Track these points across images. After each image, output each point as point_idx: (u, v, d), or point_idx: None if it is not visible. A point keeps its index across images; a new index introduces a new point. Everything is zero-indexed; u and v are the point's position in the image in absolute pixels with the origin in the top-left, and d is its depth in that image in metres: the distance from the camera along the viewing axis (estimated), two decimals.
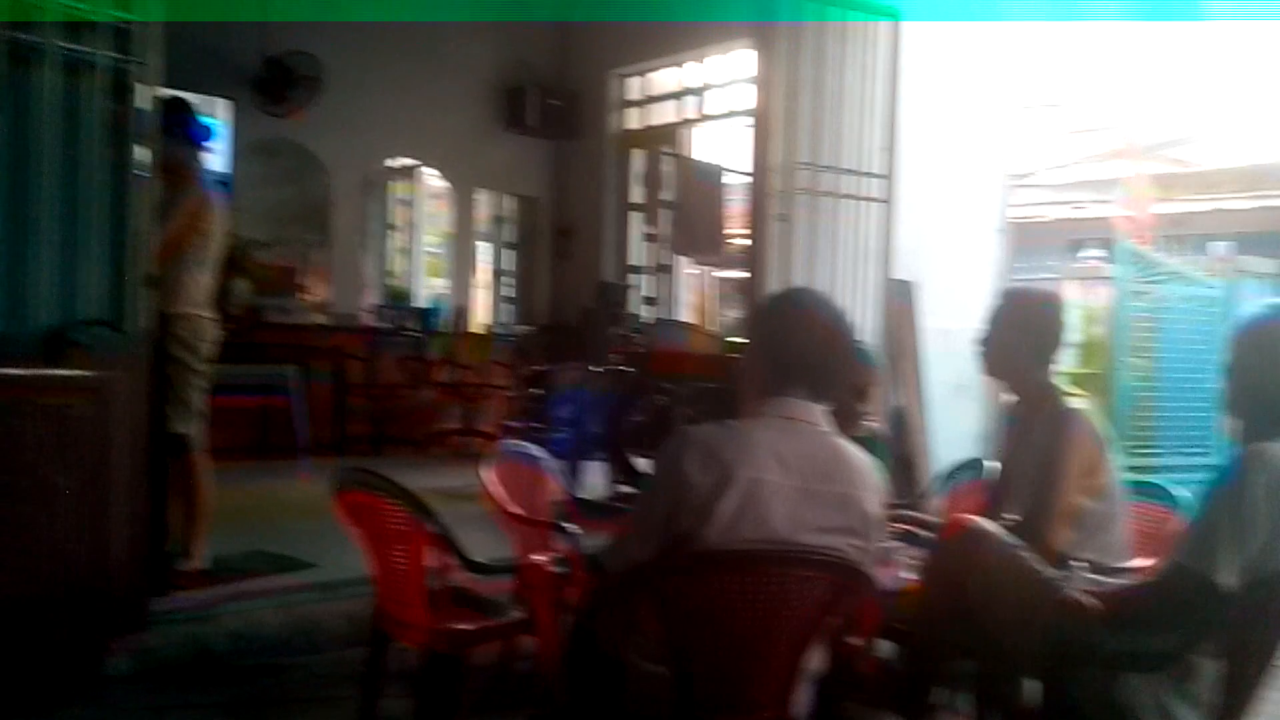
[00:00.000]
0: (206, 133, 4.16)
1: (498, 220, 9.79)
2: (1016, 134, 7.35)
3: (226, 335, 4.22)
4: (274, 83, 7.65)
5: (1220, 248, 8.50)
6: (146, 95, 3.23)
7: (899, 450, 6.09)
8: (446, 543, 2.60)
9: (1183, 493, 3.08)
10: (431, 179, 9.94)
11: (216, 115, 6.96)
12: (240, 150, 7.52)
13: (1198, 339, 6.74)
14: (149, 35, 3.16)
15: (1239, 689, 2.10)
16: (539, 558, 3.19)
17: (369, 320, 8.40)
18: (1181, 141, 12.01)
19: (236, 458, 6.31)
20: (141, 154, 3.27)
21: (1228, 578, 1.98)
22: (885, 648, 3.10)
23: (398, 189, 10.39)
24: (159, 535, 3.47)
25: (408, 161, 9.63)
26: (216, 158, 6.80)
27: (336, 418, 7.32)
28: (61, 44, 2.99)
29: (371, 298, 9.05)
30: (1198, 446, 6.67)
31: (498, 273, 9.86)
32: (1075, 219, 11.03)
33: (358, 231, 8.77)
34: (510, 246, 9.73)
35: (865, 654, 2.71)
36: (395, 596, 2.71)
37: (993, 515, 2.92)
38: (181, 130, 3.87)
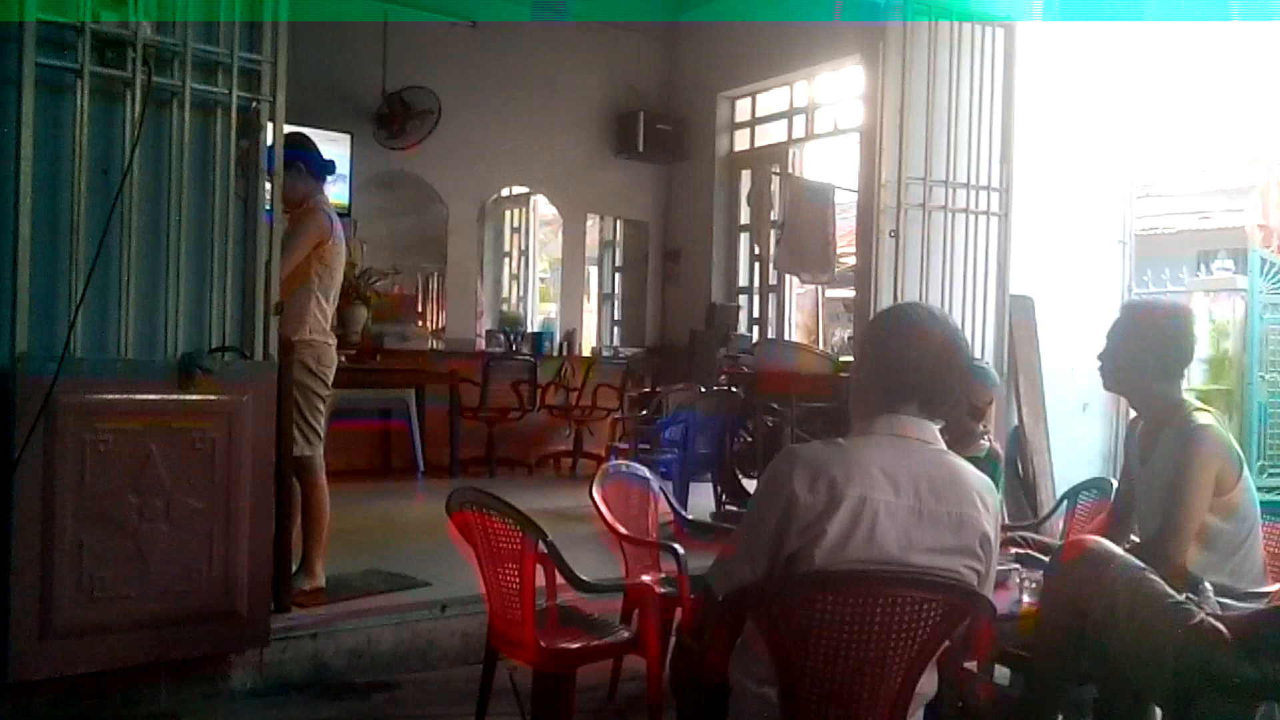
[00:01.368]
0: (329, 166, 4.31)
1: (607, 244, 9.90)
2: (1139, 141, 7.10)
3: (347, 361, 4.35)
4: (392, 117, 7.93)
5: None
6: (273, 132, 3.38)
7: (1019, 470, 5.92)
8: (555, 562, 2.62)
9: None
10: (543, 206, 10.13)
11: (339, 149, 7.23)
12: (360, 183, 7.80)
13: None
14: (276, 75, 3.31)
15: None
16: (646, 578, 3.21)
17: (482, 345, 8.58)
18: None
19: (356, 479, 6.52)
20: (268, 188, 3.41)
21: None
22: (1002, 673, 3.02)
23: (511, 216, 10.62)
24: (282, 555, 3.58)
25: (520, 189, 9.84)
26: (338, 190, 7.06)
27: (451, 440, 7.49)
28: (196, 85, 3.16)
29: (485, 323, 9.25)
30: None
31: (607, 296, 9.97)
32: (1203, 229, 10.56)
33: (472, 259, 8.99)
34: (619, 270, 9.83)
35: (980, 679, 2.64)
36: (506, 615, 2.75)
37: (1117, 536, 2.81)
38: (305, 164, 4.03)
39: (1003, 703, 2.78)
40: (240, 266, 3.30)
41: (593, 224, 9.72)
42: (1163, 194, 11.51)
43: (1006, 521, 4.81)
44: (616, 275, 9.89)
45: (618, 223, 9.75)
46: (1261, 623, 2.11)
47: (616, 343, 9.63)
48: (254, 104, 3.30)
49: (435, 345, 8.36)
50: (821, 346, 9.27)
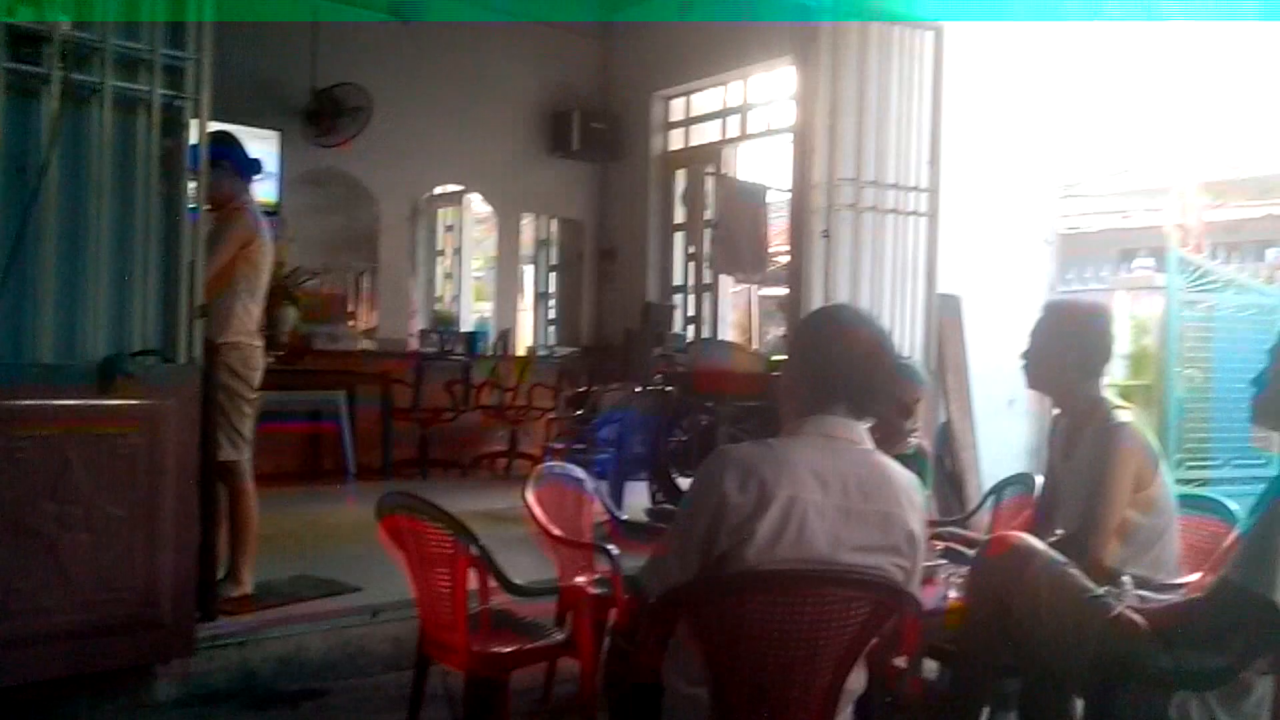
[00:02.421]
0: (256, 165, 4.23)
1: (542, 243, 9.87)
2: (1064, 143, 7.27)
3: (276, 362, 4.28)
4: (322, 114, 7.81)
5: (1277, 254, 8.32)
6: (197, 130, 3.31)
7: (947, 466, 6.03)
8: (487, 565, 2.61)
9: (1237, 506, 3.00)
10: (478, 204, 10.06)
11: (267, 147, 7.10)
12: (289, 181, 7.67)
13: (1253, 348, 6.58)
14: (200, 72, 3.24)
15: None
16: (580, 579, 3.21)
17: (415, 345, 8.50)
18: (1235, 147, 11.81)
19: (285, 483, 6.41)
20: (192, 187, 3.34)
21: None
22: (930, 667, 3.07)
23: (444, 215, 10.53)
24: (207, 561, 3.51)
25: (454, 188, 9.76)
26: (265, 188, 6.94)
27: (383, 442, 7.40)
28: (117, 82, 3.08)
29: (418, 323, 9.16)
30: (1253, 459, 6.52)
31: (542, 295, 9.94)
32: (1125, 228, 10.86)
33: (405, 258, 8.90)
34: (554, 269, 9.81)
35: (909, 674, 2.68)
36: (438, 620, 2.72)
37: (1041, 531, 2.88)
38: (231, 163, 3.96)
39: (931, 697, 2.84)
40: (163, 268, 3.23)
41: (527, 223, 9.69)
42: (1086, 194, 11.81)
43: (935, 517, 4.89)
44: (552, 274, 9.86)
45: (553, 221, 9.72)
46: (1176, 614, 2.17)
47: (552, 342, 9.61)
48: (177, 101, 3.23)
49: (367, 345, 8.26)
50: (756, 345, 9.35)
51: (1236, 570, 2.01)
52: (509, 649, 2.73)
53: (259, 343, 4.05)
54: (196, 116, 3.28)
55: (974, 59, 5.97)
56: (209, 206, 3.64)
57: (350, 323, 8.51)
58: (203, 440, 3.34)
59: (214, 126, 3.45)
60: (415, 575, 2.73)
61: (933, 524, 3.50)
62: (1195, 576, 2.59)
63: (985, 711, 2.92)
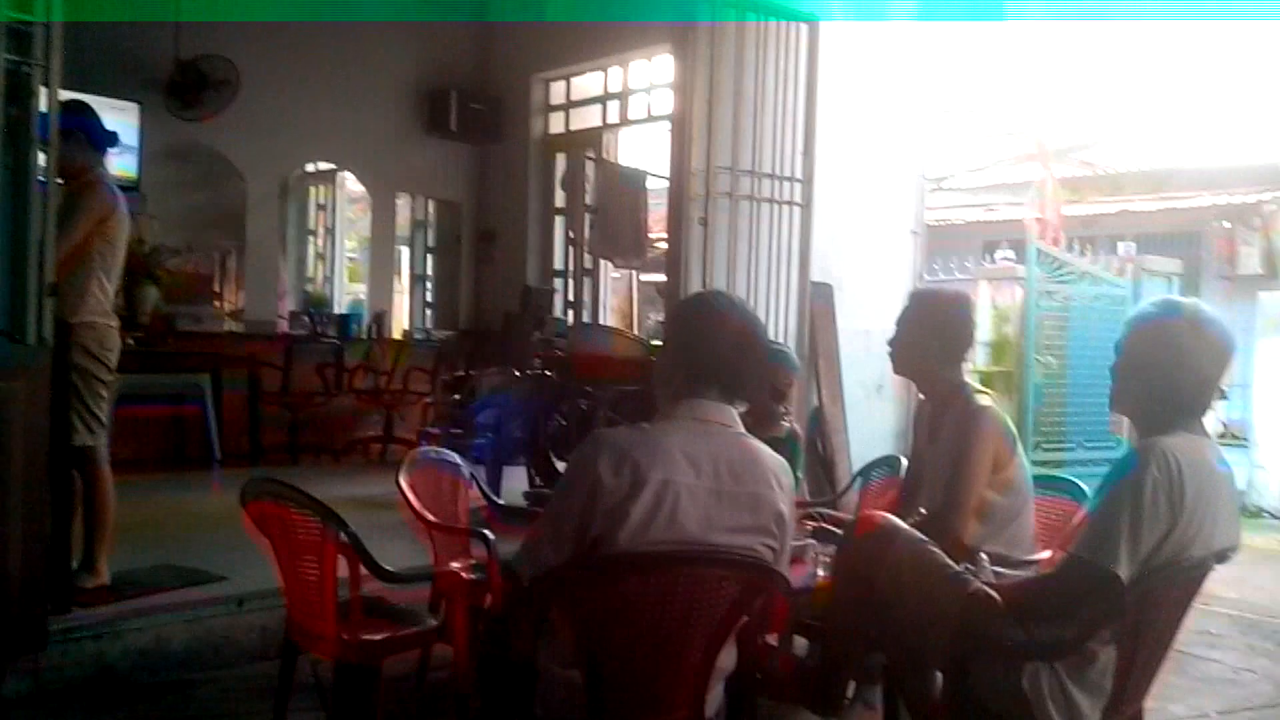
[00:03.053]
0: (112, 137, 4.03)
1: (419, 225, 9.70)
2: (932, 138, 7.51)
3: (135, 344, 4.10)
4: (186, 86, 7.48)
5: (1126, 248, 8.79)
6: (47, 98, 3.13)
7: (818, 449, 6.17)
8: (357, 552, 2.56)
9: (1087, 487, 3.16)
10: (351, 183, 9.81)
11: (126, 119, 6.76)
12: (150, 155, 7.32)
13: (1105, 337, 6.93)
14: (50, 37, 3.06)
15: (1133, 674, 2.17)
16: (456, 565, 3.18)
17: (285, 327, 8.25)
18: (1090, 145, 12.41)
19: (146, 469, 6.16)
20: (42, 159, 3.17)
21: (1124, 568, 2.04)
22: (800, 644, 3.15)
23: (316, 193, 10.23)
24: (60, 551, 3.35)
25: (326, 166, 9.50)
26: (124, 162, 6.62)
27: (251, 427, 7.17)
28: None
29: (288, 304, 8.89)
30: (1105, 441, 6.88)
31: (418, 277, 9.77)
32: (988, 221, 11.29)
33: (273, 237, 8.61)
34: (431, 251, 9.65)
35: (779, 651, 2.75)
36: (306, 608, 2.66)
37: (905, 511, 2.98)
38: (85, 134, 3.76)
39: (800, 673, 2.91)
40: (9, 244, 3.05)
41: (403, 203, 9.49)
42: (953, 188, 12.23)
43: (806, 498, 5.02)
44: (429, 256, 9.69)
45: (430, 202, 9.55)
46: (1029, 589, 2.28)
47: (429, 325, 9.45)
48: (24, 68, 3.04)
49: (233, 327, 7.96)
50: (636, 330, 9.39)
51: (1083, 546, 2.12)
52: (380, 636, 2.69)
53: (115, 323, 3.87)
54: (46, 84, 3.10)
55: (848, 54, 6.11)
56: (60, 179, 3.45)
57: (216, 303, 8.19)
58: (55, 424, 3.18)
59: (66, 95, 3.27)
60: (282, 563, 2.66)
61: (804, 505, 3.60)
62: (1048, 554, 2.72)
63: (851, 686, 3.02)
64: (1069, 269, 7.30)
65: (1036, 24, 6.20)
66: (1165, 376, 2.20)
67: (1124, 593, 2.05)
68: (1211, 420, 9.43)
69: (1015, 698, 2.16)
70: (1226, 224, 10.19)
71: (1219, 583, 5.54)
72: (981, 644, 2.21)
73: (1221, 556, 2.18)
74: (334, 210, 10.12)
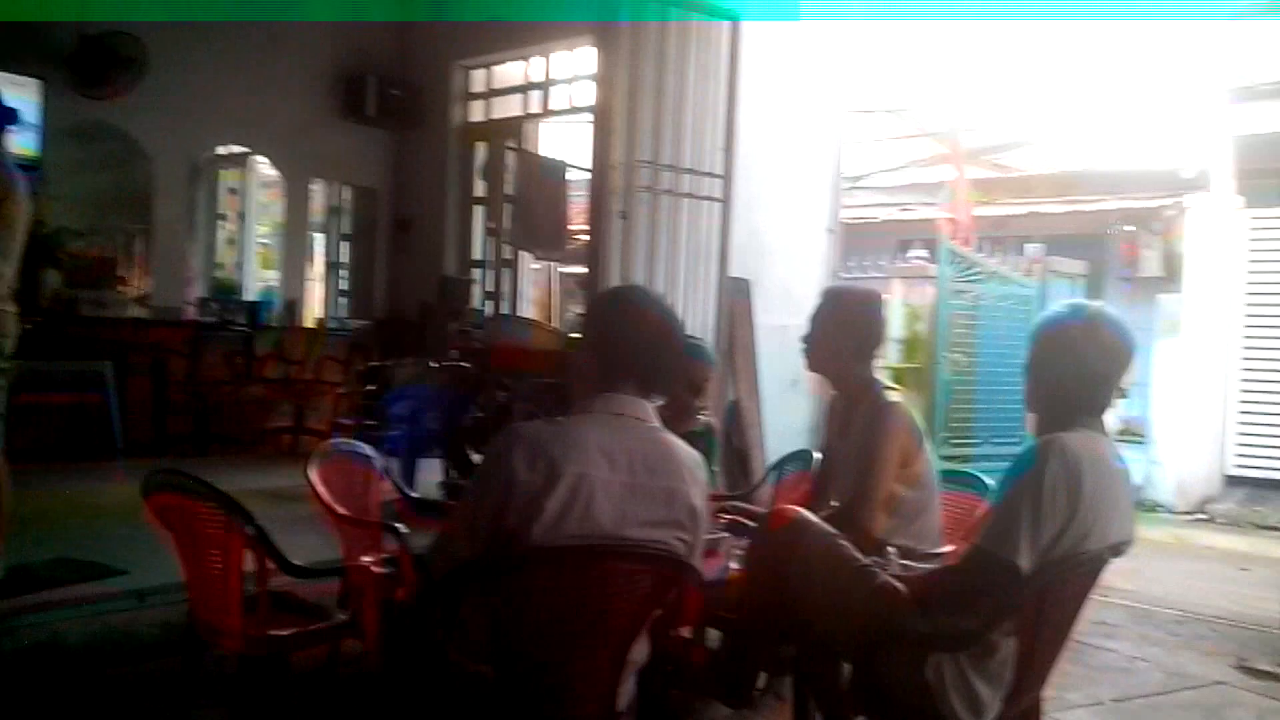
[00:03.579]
0: (9, 114, 3.88)
1: (334, 211, 9.52)
2: (849, 137, 7.62)
3: (34, 329, 3.95)
4: (91, 63, 7.22)
5: (1034, 249, 9.04)
6: None
7: (734, 443, 6.23)
8: (264, 545, 2.50)
9: (993, 481, 3.24)
10: (264, 167, 9.58)
11: (25, 96, 6.49)
12: (52, 133, 7.04)
13: (1012, 335, 7.13)
14: None
15: (1032, 664, 2.24)
16: (367, 559, 3.13)
17: (193, 314, 8.03)
18: (1002, 149, 12.72)
19: (44, 459, 5.95)
20: None
21: (1024, 560, 2.10)
22: (713, 637, 3.18)
23: (228, 177, 9.98)
24: None
25: (238, 149, 9.26)
26: (24, 140, 6.36)
27: (156, 416, 6.97)
28: None
29: (196, 290, 8.65)
30: (1011, 437, 7.07)
31: (333, 265, 9.59)
32: (903, 220, 11.50)
33: (182, 221, 8.36)
34: (347, 239, 9.48)
35: (692, 644, 2.77)
36: (210, 603, 2.60)
37: (818, 505, 3.03)
38: None
39: (713, 665, 2.94)
40: None
41: (318, 189, 9.31)
42: (869, 187, 12.43)
43: (722, 492, 5.06)
44: (344, 244, 9.52)
45: (345, 189, 9.38)
46: (934, 581, 2.34)
47: (343, 314, 9.28)
48: None
49: (138, 313, 7.71)
50: (556, 323, 9.36)
51: (985, 539, 2.17)
52: (287, 632, 2.64)
53: (12, 307, 3.72)
54: None
55: (769, 52, 6.17)
56: None
57: (120, 288, 7.93)
58: None
59: None
60: (185, 557, 2.60)
61: (719, 498, 3.63)
62: (955, 546, 2.79)
63: (762, 677, 3.06)
64: (979, 269, 7.49)
65: (839, 23, 6.30)
66: (1067, 376, 2.27)
67: (1024, 584, 2.11)
68: (1112, 418, 9.78)
69: (919, 688, 2.21)
70: (1129, 228, 10.53)
71: (1116, 574, 5.73)
72: (888, 635, 2.26)
73: (1117, 550, 2.26)
74: (246, 195, 9.89)
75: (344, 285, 9.53)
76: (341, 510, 3.06)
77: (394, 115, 8.69)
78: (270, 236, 10.36)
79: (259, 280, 10.09)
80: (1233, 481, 9.44)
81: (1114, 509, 2.20)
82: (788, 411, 6.49)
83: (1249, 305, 9.46)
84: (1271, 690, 4.14)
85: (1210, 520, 9.12)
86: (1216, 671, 4.36)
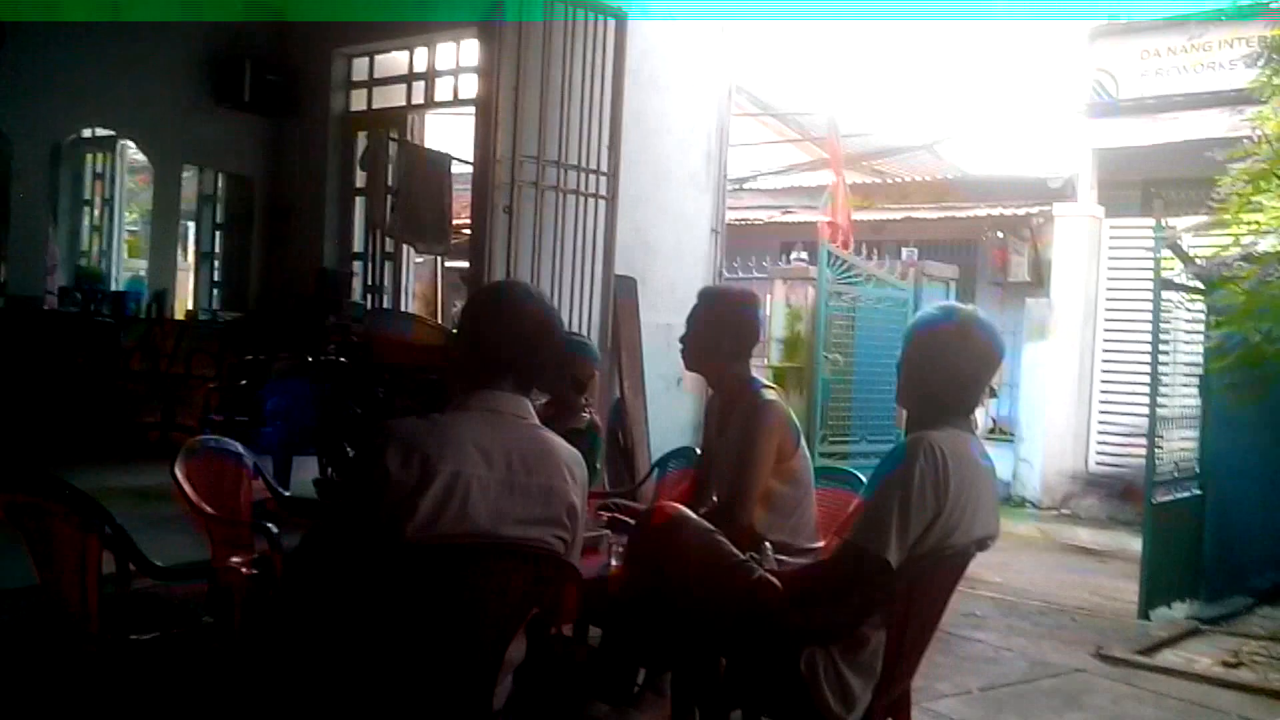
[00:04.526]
0: None
1: (206, 199, 9.18)
2: (735, 140, 7.71)
3: None
4: None
5: (909, 253, 9.29)
6: None
7: (619, 440, 6.25)
8: (123, 546, 2.39)
9: (867, 478, 3.32)
10: (132, 152, 9.18)
11: None
12: None
13: (888, 337, 7.31)
14: None
15: (901, 656, 2.30)
16: (236, 560, 3.03)
17: (55, 303, 7.64)
18: (881, 154, 13.08)
19: None
20: None
21: (893, 555, 2.16)
22: (594, 634, 3.18)
23: (94, 161, 9.52)
24: None
25: (105, 132, 8.85)
26: None
27: (12, 411, 6.61)
28: None
29: (58, 279, 8.24)
30: (886, 435, 7.26)
31: (205, 255, 9.25)
32: (786, 223, 11.70)
33: (43, 206, 7.95)
34: (220, 228, 9.15)
35: (572, 641, 2.76)
36: (67, 607, 2.47)
37: (698, 501, 3.06)
38: None
39: (594, 662, 2.94)
40: None
41: (190, 176, 8.96)
42: (754, 189, 12.62)
43: (606, 488, 5.07)
44: (217, 233, 9.19)
45: (219, 176, 9.05)
46: (807, 575, 2.38)
47: (216, 306, 8.96)
48: None
49: None
50: (441, 318, 9.22)
51: (856, 534, 2.23)
52: (148, 636, 2.53)
53: None
54: None
55: (654, 52, 6.20)
56: None
57: None
58: None
59: None
60: (40, 558, 2.46)
61: (602, 495, 3.64)
62: (829, 541, 2.85)
63: (641, 673, 3.07)
64: (857, 271, 7.66)
65: (724, 24, 6.44)
66: (938, 376, 2.34)
67: (893, 578, 2.17)
68: (982, 417, 10.16)
69: (793, 680, 2.24)
70: (1000, 234, 10.93)
71: (984, 568, 6.02)
72: (762, 629, 2.29)
73: (982, 544, 2.34)
74: (113, 180, 9.46)
75: (217, 276, 9.20)
76: (208, 509, 2.95)
77: (271, 101, 8.41)
78: (139, 224, 9.94)
79: (127, 269, 9.67)
80: (1094, 478, 9.91)
81: (979, 505, 2.27)
82: (672, 409, 6.55)
83: (1109, 311, 9.95)
84: (1125, 676, 4.36)
85: (1074, 516, 9.56)
86: (1076, 660, 4.57)
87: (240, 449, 3.38)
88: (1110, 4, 9.76)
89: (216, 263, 9.22)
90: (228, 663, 2.69)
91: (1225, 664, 4.54)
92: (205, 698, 2.95)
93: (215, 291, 9.14)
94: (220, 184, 9.08)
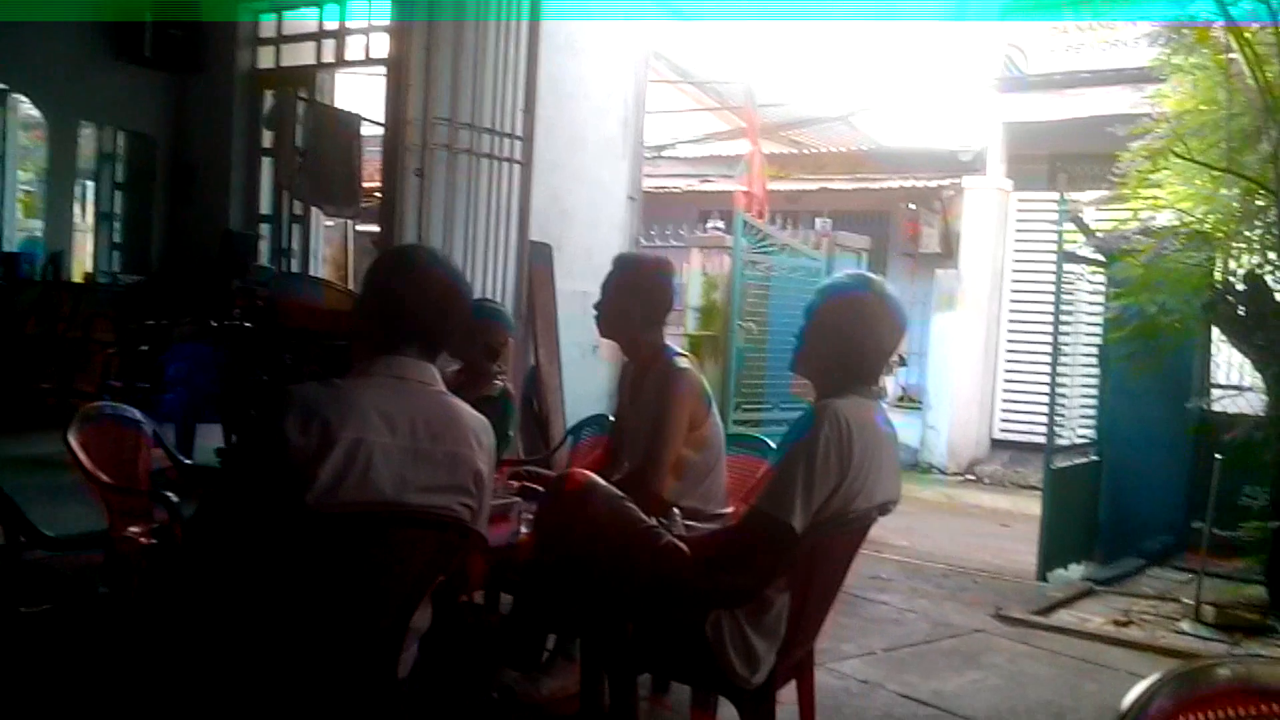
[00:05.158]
0: None
1: (106, 157, 8.83)
2: (653, 107, 7.68)
3: None
4: None
5: (823, 224, 9.39)
6: None
7: (534, 408, 6.22)
8: (11, 516, 2.31)
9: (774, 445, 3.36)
10: (25, 107, 8.77)
11: None
12: None
13: (801, 306, 7.37)
14: None
15: (804, 618, 2.35)
16: (135, 529, 2.95)
17: None
18: (797, 125, 13.17)
19: None
20: None
21: (798, 520, 2.19)
22: (506, 600, 3.18)
23: None
24: None
25: None
26: None
27: None
28: None
29: None
30: (799, 403, 7.35)
31: (105, 216, 8.91)
32: (703, 192, 11.74)
33: None
34: (120, 188, 8.82)
35: (481, 609, 2.75)
36: None
37: (612, 468, 3.06)
38: None
39: (504, 628, 2.94)
40: None
41: (89, 133, 8.61)
42: (673, 157, 12.63)
43: (521, 456, 5.05)
44: (118, 193, 8.86)
45: (120, 134, 8.71)
46: (715, 541, 2.40)
47: (116, 268, 8.64)
48: None
49: None
50: (351, 283, 9.04)
51: (763, 500, 2.25)
52: (39, 608, 2.45)
53: None
54: None
55: (574, 13, 6.12)
56: None
57: None
58: None
59: None
60: None
61: (516, 463, 3.62)
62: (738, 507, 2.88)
63: (551, 639, 3.08)
64: (772, 241, 7.72)
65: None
66: (850, 344, 2.37)
67: (797, 542, 2.20)
68: (891, 385, 10.37)
69: (699, 644, 2.27)
70: (912, 206, 11.12)
71: (891, 532, 6.17)
72: (669, 594, 2.31)
73: (884, 509, 2.39)
74: (4, 137, 9.02)
75: (117, 238, 8.87)
76: (104, 477, 2.86)
77: (174, 57, 8.11)
78: (33, 183, 9.52)
79: (20, 230, 9.26)
80: (998, 444, 10.21)
81: (881, 471, 2.31)
82: (587, 376, 6.54)
83: (1015, 282, 10.22)
84: (1022, 636, 4.51)
85: (978, 481, 9.85)
86: (976, 620, 4.71)
87: (139, 415, 3.27)
88: None
89: (117, 224, 8.89)
90: (124, 635, 2.63)
91: (1116, 623, 4.73)
92: (99, 670, 2.88)
93: (115, 254, 8.83)
94: (121, 142, 8.74)
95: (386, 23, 6.37)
